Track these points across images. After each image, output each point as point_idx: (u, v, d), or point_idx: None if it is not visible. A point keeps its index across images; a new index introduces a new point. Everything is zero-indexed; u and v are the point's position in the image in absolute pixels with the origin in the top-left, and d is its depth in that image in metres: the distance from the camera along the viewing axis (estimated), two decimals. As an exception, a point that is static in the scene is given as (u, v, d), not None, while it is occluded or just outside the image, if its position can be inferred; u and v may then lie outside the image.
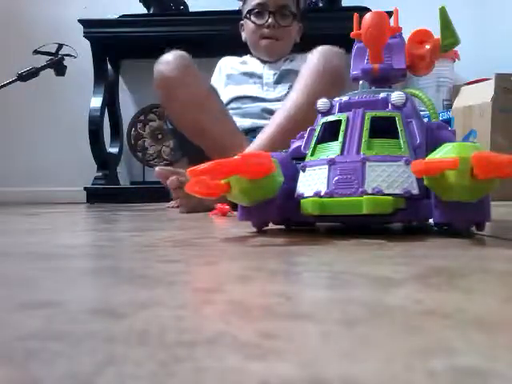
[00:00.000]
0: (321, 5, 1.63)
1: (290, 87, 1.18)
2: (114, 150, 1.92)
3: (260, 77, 1.24)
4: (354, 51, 0.55)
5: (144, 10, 1.79)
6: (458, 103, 1.54)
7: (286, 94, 1.16)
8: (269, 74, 1.25)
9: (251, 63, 1.28)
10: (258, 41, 1.24)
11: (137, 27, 1.70)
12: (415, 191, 0.40)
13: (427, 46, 0.54)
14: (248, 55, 1.32)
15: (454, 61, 1.74)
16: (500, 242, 0.38)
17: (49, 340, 0.14)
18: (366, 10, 1.55)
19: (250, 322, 0.15)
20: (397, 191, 0.40)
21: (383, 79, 0.52)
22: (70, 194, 1.88)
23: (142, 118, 1.95)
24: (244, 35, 1.30)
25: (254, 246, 0.37)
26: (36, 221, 0.77)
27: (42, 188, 1.95)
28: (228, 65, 1.30)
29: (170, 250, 0.36)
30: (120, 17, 1.73)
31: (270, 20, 1.21)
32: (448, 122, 1.48)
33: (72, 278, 0.25)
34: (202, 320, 0.16)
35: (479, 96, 1.43)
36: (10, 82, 1.52)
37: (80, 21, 1.69)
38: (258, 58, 1.28)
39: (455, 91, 1.62)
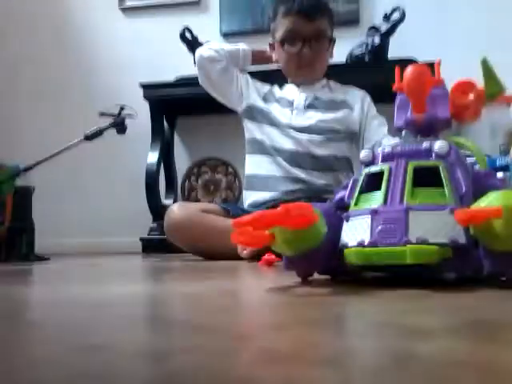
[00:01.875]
0: (367, 60, 1.67)
1: (324, 114, 1.17)
2: (169, 201, 2.00)
3: (291, 102, 1.20)
4: (396, 103, 0.56)
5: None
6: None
7: (316, 124, 1.16)
8: (300, 98, 1.21)
9: (287, 89, 1.24)
10: (293, 70, 1.19)
11: (191, 87, 1.82)
12: (462, 240, 0.40)
13: (471, 96, 0.55)
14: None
15: (510, 105, 1.70)
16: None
17: (96, 379, 0.16)
18: (412, 61, 1.57)
19: (277, 367, 0.16)
20: (442, 240, 0.39)
21: (428, 129, 0.52)
22: (126, 244, 1.97)
23: (195, 170, 2.04)
24: (275, 57, 1.24)
25: (297, 295, 0.38)
26: (90, 272, 0.81)
27: (99, 239, 2.06)
28: (258, 84, 1.26)
29: (217, 299, 0.37)
30: (177, 79, 1.86)
31: (304, 50, 1.14)
32: (506, 167, 1.42)
33: (122, 325, 0.26)
34: (233, 365, 0.17)
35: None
36: (77, 143, 1.66)
37: (141, 84, 1.84)
38: (292, 82, 1.24)
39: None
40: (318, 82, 1.23)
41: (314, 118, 1.17)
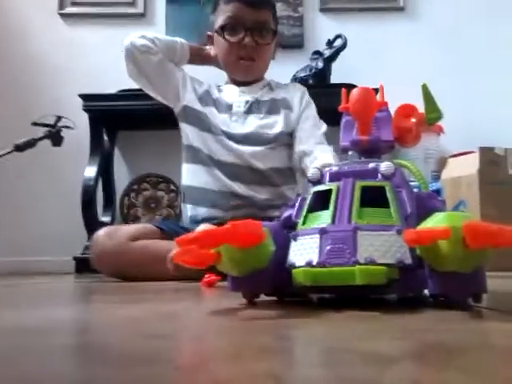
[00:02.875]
0: (311, 82, 1.72)
1: (264, 119, 1.08)
2: (107, 218, 1.91)
3: (229, 106, 1.11)
4: (342, 124, 0.57)
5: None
6: (445, 174, 1.58)
7: (256, 130, 1.07)
8: (240, 101, 1.11)
9: (225, 90, 1.14)
10: (232, 61, 1.09)
11: (134, 100, 1.77)
12: (408, 261, 0.40)
13: (413, 120, 0.56)
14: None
15: (439, 134, 1.80)
16: (498, 314, 0.36)
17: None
18: (353, 86, 1.63)
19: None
20: (390, 261, 0.39)
21: (372, 150, 0.53)
22: (58, 263, 1.84)
23: (135, 186, 1.97)
24: (214, 50, 1.14)
25: (244, 319, 0.36)
26: (17, 293, 0.74)
27: (28, 258, 1.92)
28: (195, 82, 1.16)
29: (156, 323, 0.34)
30: (119, 91, 1.80)
31: (246, 39, 1.05)
32: (438, 192, 1.50)
33: (46, 357, 0.23)
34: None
35: (465, 168, 1.47)
36: (6, 153, 1.55)
37: (80, 95, 1.76)
38: (232, 80, 1.14)
39: (442, 163, 1.67)
40: (259, 82, 1.15)
41: (253, 123, 1.09)
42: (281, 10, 1.98)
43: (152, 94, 1.15)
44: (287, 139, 1.12)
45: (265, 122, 1.10)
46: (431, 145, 1.78)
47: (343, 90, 0.55)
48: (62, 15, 2.05)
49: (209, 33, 1.15)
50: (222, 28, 1.07)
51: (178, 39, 1.17)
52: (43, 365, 0.21)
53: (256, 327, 0.31)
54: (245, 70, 1.10)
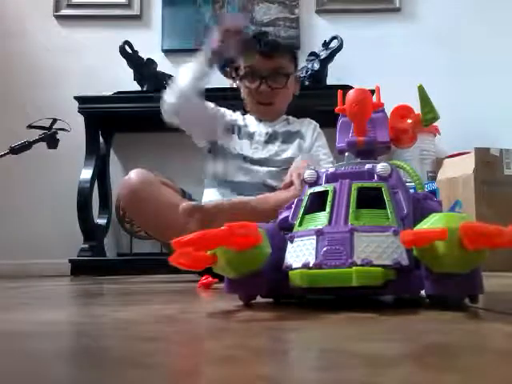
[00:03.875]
0: (307, 83, 1.72)
1: (280, 146, 1.20)
2: (102, 221, 1.91)
3: (251, 135, 1.22)
4: (338, 125, 0.57)
5: (139, 88, 1.86)
6: (441, 175, 1.58)
7: (273, 156, 1.19)
8: (261, 132, 1.23)
9: (248, 120, 1.27)
10: (253, 105, 1.22)
11: (130, 103, 1.76)
12: (405, 262, 0.39)
13: (409, 121, 0.56)
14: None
15: (435, 135, 1.81)
16: (494, 315, 0.36)
17: None
18: (349, 87, 1.63)
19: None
20: (386, 262, 0.39)
21: (368, 151, 0.53)
22: (54, 266, 1.83)
23: (131, 189, 1.97)
24: (232, 84, 1.29)
25: (240, 321, 0.36)
26: (12, 296, 0.73)
27: (24, 261, 1.90)
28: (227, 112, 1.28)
29: (151, 326, 0.34)
30: (115, 93, 1.80)
31: (262, 86, 1.17)
32: (433, 193, 1.50)
33: (39, 361, 0.23)
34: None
35: (461, 168, 1.48)
36: (1, 155, 1.54)
37: (76, 97, 1.75)
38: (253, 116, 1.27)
39: (438, 164, 1.68)
40: (279, 118, 1.26)
41: (271, 150, 1.20)
42: (277, 11, 1.99)
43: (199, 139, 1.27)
44: None
45: (281, 148, 1.22)
46: (428, 146, 1.79)
47: (339, 92, 0.55)
48: (58, 17, 2.04)
49: (234, 85, 1.28)
50: (242, 76, 1.20)
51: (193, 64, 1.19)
52: (38, 368, 0.21)
53: (252, 329, 0.31)
54: (263, 112, 1.22)
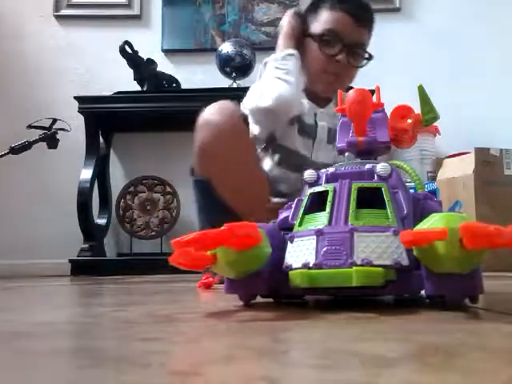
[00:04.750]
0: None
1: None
2: (102, 221, 1.91)
3: (311, 130, 0.98)
4: (339, 125, 0.57)
5: (139, 88, 1.86)
6: (441, 175, 1.58)
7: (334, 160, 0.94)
8: (323, 127, 1.00)
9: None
10: (318, 72, 0.98)
11: (130, 103, 1.77)
12: (405, 262, 0.39)
13: (409, 121, 0.56)
14: None
15: (435, 135, 1.81)
16: (495, 315, 0.36)
17: None
18: (349, 88, 1.63)
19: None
20: (387, 262, 0.39)
21: (368, 151, 0.53)
22: (54, 266, 1.83)
23: (131, 189, 1.96)
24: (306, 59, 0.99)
25: (240, 321, 0.36)
26: (11, 296, 0.73)
27: (24, 261, 1.90)
28: None
29: (151, 326, 0.34)
30: (115, 93, 1.80)
31: (340, 56, 0.95)
32: (433, 193, 1.51)
33: (37, 361, 0.23)
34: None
35: (461, 168, 1.48)
36: (1, 155, 1.54)
37: (76, 97, 1.76)
38: (307, 92, 1.00)
39: (438, 164, 1.68)
40: (330, 103, 1.03)
41: (333, 153, 0.97)
42: (277, 11, 1.99)
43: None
44: None
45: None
46: (427, 146, 1.79)
47: (339, 92, 0.55)
48: (58, 17, 2.04)
49: (297, 15, 1.01)
50: (319, 36, 0.97)
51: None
52: (38, 368, 0.21)
53: (252, 329, 0.31)
54: (327, 84, 0.99)
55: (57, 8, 2.04)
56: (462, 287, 0.37)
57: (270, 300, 0.49)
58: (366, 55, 0.99)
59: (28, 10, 2.04)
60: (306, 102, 1.00)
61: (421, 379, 0.17)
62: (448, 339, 0.25)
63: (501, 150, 1.47)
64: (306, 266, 0.41)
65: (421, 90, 0.56)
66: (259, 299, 0.48)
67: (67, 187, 1.83)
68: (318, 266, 0.40)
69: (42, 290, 0.86)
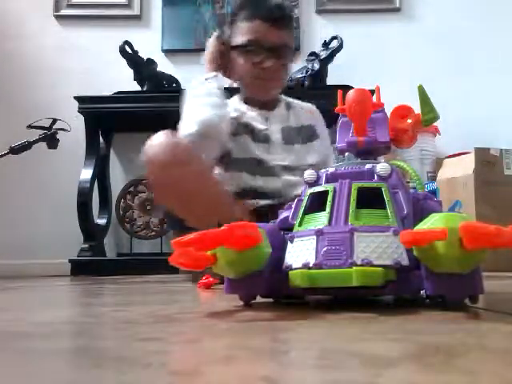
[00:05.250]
0: (307, 83, 1.72)
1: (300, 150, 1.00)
2: (102, 221, 1.90)
3: (264, 136, 1.00)
4: (339, 125, 0.57)
5: (139, 88, 1.86)
6: (441, 175, 1.58)
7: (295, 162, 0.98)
8: (276, 130, 1.02)
9: (248, 111, 1.02)
10: (252, 82, 1.00)
11: (130, 103, 1.76)
12: (405, 262, 0.39)
13: (409, 121, 0.56)
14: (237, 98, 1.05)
15: (435, 135, 1.81)
16: (495, 315, 0.36)
17: None
18: (349, 87, 1.63)
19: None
20: (387, 262, 0.39)
21: (368, 151, 0.53)
22: (54, 266, 1.83)
23: (131, 189, 1.96)
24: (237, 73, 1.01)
25: (240, 321, 0.36)
26: (11, 296, 0.73)
27: (24, 261, 1.90)
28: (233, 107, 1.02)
29: (151, 326, 0.34)
30: (114, 93, 1.80)
31: (267, 62, 0.96)
32: (433, 193, 1.51)
33: (38, 361, 0.23)
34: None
35: (461, 168, 1.48)
36: (1, 155, 1.54)
37: (76, 97, 1.76)
38: (251, 102, 1.04)
39: (438, 164, 1.68)
40: (280, 104, 1.06)
41: (291, 155, 1.00)
42: (277, 11, 1.98)
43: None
44: None
45: (303, 150, 1.02)
46: (428, 146, 1.79)
47: (339, 92, 0.55)
48: (58, 17, 2.04)
49: (220, 40, 1.02)
50: (242, 47, 0.98)
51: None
52: (38, 368, 0.21)
53: (252, 329, 0.31)
54: (263, 89, 1.01)
55: (57, 8, 2.04)
56: (462, 287, 0.37)
57: (270, 300, 0.49)
58: (292, 52, 1.03)
59: (28, 10, 2.04)
60: (249, 110, 1.02)
61: (421, 379, 0.17)
62: (448, 339, 0.25)
63: (501, 150, 1.47)
64: (306, 266, 0.41)
65: (421, 90, 0.56)
66: (259, 299, 0.48)
67: (67, 187, 1.83)
68: (318, 266, 0.40)
69: (41, 290, 0.87)
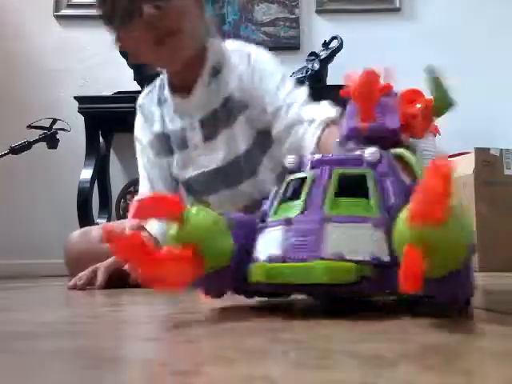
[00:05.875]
0: (307, 83, 1.72)
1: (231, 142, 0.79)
2: (102, 221, 1.90)
3: (179, 139, 0.83)
4: (346, 112, 0.49)
5: (139, 88, 1.86)
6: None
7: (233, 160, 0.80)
8: (191, 126, 0.81)
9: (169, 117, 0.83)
10: (150, 52, 0.75)
11: (130, 103, 1.77)
12: (386, 258, 0.34)
13: (418, 105, 0.50)
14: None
15: (435, 135, 1.81)
16: (495, 315, 0.36)
17: None
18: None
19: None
20: (362, 257, 0.34)
21: (374, 139, 0.45)
22: (53, 266, 1.83)
23: (131, 189, 1.96)
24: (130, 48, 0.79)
25: (240, 321, 0.36)
26: (11, 296, 0.73)
27: (24, 261, 1.90)
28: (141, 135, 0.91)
29: (151, 326, 0.34)
30: (115, 93, 1.80)
31: (146, 11, 0.69)
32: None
33: (37, 361, 0.23)
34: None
35: (461, 168, 1.48)
36: (1, 155, 1.54)
37: (76, 97, 1.76)
38: (173, 86, 0.82)
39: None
40: (203, 73, 0.79)
41: (220, 153, 0.81)
42: (277, 11, 1.99)
43: None
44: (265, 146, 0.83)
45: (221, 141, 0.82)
46: (427, 145, 1.79)
47: (347, 73, 0.50)
48: (58, 17, 2.04)
49: (116, 41, 0.81)
50: (107, 18, 0.76)
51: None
52: (38, 368, 0.21)
53: (251, 329, 0.31)
54: (169, 53, 0.75)
55: (57, 8, 2.04)
56: (450, 288, 0.32)
57: (270, 300, 0.49)
58: None
59: (28, 10, 2.04)
60: (171, 97, 0.82)
61: (421, 379, 0.17)
62: (448, 339, 0.25)
63: (501, 149, 1.47)
64: (270, 258, 0.37)
65: (430, 72, 0.50)
66: (259, 299, 0.48)
67: (67, 187, 1.83)
68: (282, 258, 0.36)
69: (42, 290, 0.87)
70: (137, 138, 0.94)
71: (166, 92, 0.85)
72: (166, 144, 0.86)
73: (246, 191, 0.83)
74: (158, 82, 0.89)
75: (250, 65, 0.80)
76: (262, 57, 0.82)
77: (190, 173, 0.84)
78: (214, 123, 0.81)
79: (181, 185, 0.90)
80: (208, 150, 0.82)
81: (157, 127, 0.87)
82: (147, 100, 0.92)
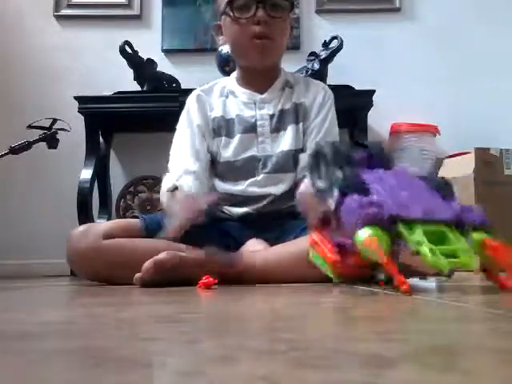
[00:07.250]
0: (307, 83, 1.72)
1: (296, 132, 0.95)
2: (102, 221, 1.90)
3: (252, 124, 0.97)
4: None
5: (139, 88, 1.86)
6: (441, 175, 1.58)
7: (290, 148, 0.95)
8: (262, 116, 0.98)
9: (234, 100, 0.99)
10: (245, 42, 0.94)
11: (130, 103, 1.76)
12: None
13: None
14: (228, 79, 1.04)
15: (435, 135, 1.81)
16: (495, 315, 0.36)
17: None
18: (350, 87, 1.63)
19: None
20: None
21: None
22: (53, 266, 1.83)
23: (131, 189, 1.96)
24: (222, 40, 1.00)
25: (240, 321, 0.36)
26: (11, 296, 0.73)
27: (24, 261, 1.90)
28: (200, 113, 1.01)
29: (151, 326, 0.34)
30: (115, 93, 1.80)
31: (259, 13, 0.90)
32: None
33: (38, 361, 0.23)
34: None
35: (461, 169, 1.48)
36: (1, 156, 1.54)
37: (76, 97, 1.75)
38: (246, 83, 1.01)
39: (438, 164, 1.68)
40: (277, 80, 1.00)
41: (285, 143, 0.97)
42: (277, 11, 1.98)
43: None
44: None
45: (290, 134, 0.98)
46: (427, 146, 1.79)
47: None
48: (58, 17, 2.04)
49: (216, 23, 1.02)
50: (230, 4, 0.93)
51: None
52: (38, 368, 0.21)
53: (252, 329, 0.31)
54: (260, 50, 0.93)
55: (57, 8, 2.04)
56: None
57: (270, 300, 0.49)
58: (286, 3, 0.94)
59: (28, 10, 2.04)
60: (242, 91, 1.00)
61: (421, 379, 0.17)
62: (448, 339, 0.25)
63: (501, 149, 1.47)
64: None
65: None
66: (259, 300, 0.48)
67: (67, 187, 1.83)
68: None
69: (41, 290, 0.87)
70: (190, 117, 1.04)
71: (234, 86, 1.02)
72: (223, 127, 0.99)
73: (283, 179, 0.96)
74: (219, 81, 1.08)
75: (326, 95, 1.01)
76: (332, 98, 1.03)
77: (241, 155, 0.97)
78: (281, 119, 0.98)
79: (212, 165, 1.00)
80: (271, 138, 0.97)
81: (217, 113, 1.01)
82: (205, 92, 1.06)
